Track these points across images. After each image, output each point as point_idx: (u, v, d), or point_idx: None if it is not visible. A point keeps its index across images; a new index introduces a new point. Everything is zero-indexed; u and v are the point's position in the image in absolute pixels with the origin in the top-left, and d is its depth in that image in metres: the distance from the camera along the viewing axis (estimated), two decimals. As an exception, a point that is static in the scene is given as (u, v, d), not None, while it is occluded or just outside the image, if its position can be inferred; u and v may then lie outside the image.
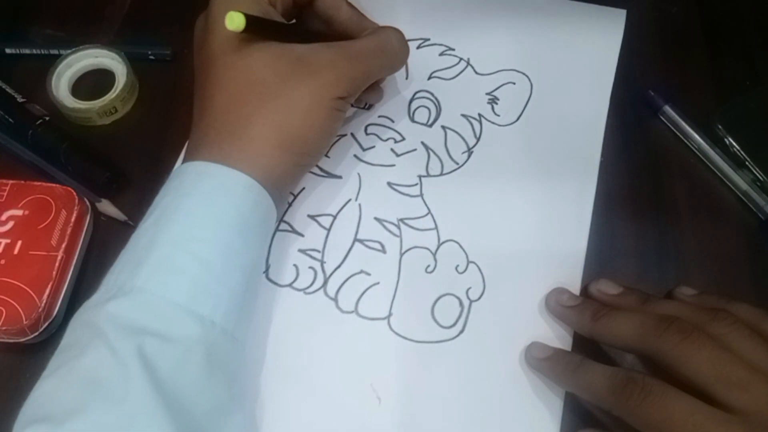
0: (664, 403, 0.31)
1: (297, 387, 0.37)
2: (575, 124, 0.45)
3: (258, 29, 0.35)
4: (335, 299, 0.40)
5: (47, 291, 0.38)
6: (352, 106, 0.44)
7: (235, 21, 0.32)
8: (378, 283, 0.40)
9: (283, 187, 0.37)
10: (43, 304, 0.38)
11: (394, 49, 0.41)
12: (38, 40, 0.50)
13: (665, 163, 0.45)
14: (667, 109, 0.46)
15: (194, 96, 0.38)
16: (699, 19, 0.51)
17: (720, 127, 0.45)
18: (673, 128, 0.46)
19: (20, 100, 0.46)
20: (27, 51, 0.49)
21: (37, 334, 0.38)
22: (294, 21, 0.42)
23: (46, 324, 0.38)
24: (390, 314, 0.39)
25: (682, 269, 0.41)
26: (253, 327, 0.38)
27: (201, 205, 0.33)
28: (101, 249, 0.42)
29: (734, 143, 0.45)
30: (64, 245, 0.39)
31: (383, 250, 0.41)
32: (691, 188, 0.44)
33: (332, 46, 0.38)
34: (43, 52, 0.49)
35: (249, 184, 0.34)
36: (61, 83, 0.47)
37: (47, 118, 0.45)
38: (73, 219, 0.40)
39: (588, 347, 0.38)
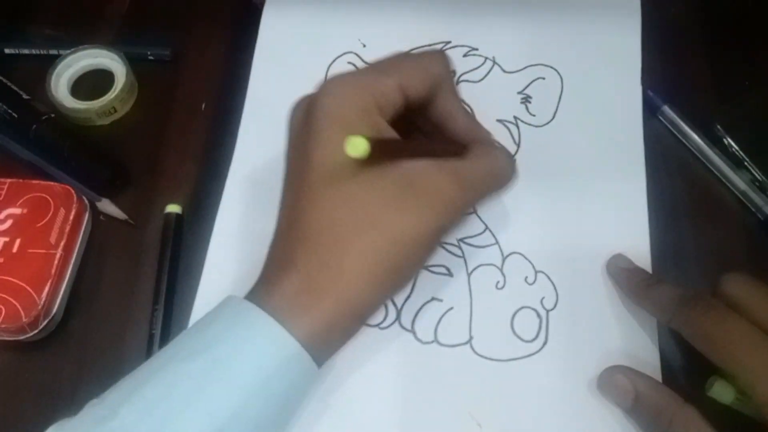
0: (725, 319, 0.32)
1: (397, 425, 0.36)
2: (611, 115, 0.44)
3: (377, 153, 0.29)
4: (412, 330, 0.38)
5: (46, 289, 0.38)
6: None
7: (359, 148, 0.28)
8: (452, 308, 0.39)
9: (358, 321, 0.33)
10: (42, 302, 0.38)
11: (504, 173, 0.36)
12: (37, 40, 0.50)
13: (664, 163, 0.45)
14: (666, 109, 0.46)
15: (283, 192, 0.34)
16: (699, 19, 0.50)
17: (719, 127, 0.45)
18: (671, 128, 0.46)
19: (25, 97, 0.46)
20: (26, 51, 0.49)
21: (36, 331, 0.38)
22: (413, 138, 0.39)
23: (46, 322, 0.38)
24: (471, 337, 0.38)
25: (681, 269, 0.41)
26: (332, 371, 0.37)
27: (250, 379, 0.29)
28: (100, 247, 0.42)
29: (733, 143, 0.45)
30: (62, 243, 0.40)
31: (450, 274, 0.40)
32: (690, 188, 0.44)
33: (442, 169, 0.32)
34: (42, 52, 0.49)
35: (298, 358, 0.30)
36: (61, 83, 0.47)
37: (53, 115, 0.45)
38: (71, 217, 0.40)
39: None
